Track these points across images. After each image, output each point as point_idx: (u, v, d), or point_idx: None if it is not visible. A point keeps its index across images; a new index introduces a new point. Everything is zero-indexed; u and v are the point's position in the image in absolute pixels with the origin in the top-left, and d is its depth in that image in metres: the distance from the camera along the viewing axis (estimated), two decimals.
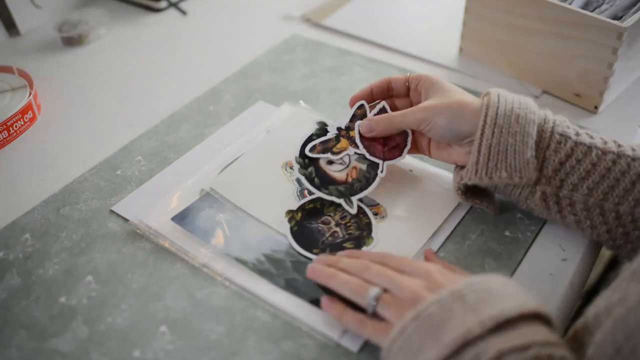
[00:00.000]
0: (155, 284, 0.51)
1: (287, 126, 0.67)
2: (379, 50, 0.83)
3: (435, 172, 0.62)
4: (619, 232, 0.50)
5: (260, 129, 0.67)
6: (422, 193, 0.59)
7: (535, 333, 0.39)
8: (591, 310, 0.41)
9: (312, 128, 0.58)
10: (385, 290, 0.45)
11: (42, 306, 0.50)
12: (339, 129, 0.59)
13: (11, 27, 0.88)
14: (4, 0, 0.84)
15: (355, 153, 0.57)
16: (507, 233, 0.55)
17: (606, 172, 0.49)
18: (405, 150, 0.57)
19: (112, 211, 0.58)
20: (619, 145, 0.51)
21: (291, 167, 0.61)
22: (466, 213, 0.57)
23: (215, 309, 0.49)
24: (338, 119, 0.69)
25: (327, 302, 0.47)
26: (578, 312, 1.25)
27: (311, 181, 0.53)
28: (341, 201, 0.55)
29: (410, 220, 0.56)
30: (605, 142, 0.51)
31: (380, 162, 0.57)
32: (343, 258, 0.50)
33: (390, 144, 0.57)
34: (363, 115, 0.58)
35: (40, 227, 0.57)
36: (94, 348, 0.47)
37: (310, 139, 0.58)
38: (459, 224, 0.56)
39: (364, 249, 0.53)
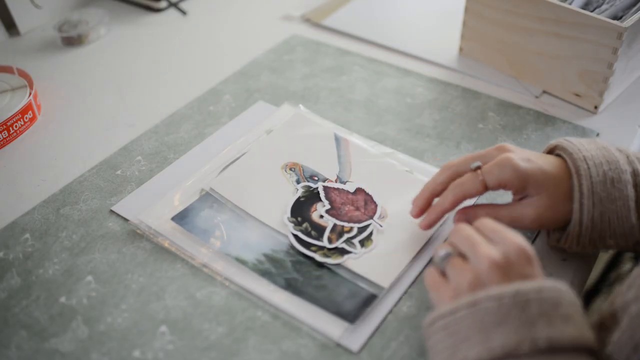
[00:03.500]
0: (155, 284, 0.51)
1: (287, 128, 0.67)
2: (379, 50, 0.83)
3: (435, 172, 0.62)
4: None
5: (260, 129, 0.67)
6: None
7: None
8: (606, 308, 0.41)
9: (299, 192, 0.58)
10: (462, 256, 0.44)
11: (42, 306, 0.50)
12: (324, 187, 0.59)
13: (11, 27, 0.88)
14: (4, 0, 0.84)
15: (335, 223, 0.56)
16: None
17: None
18: (376, 199, 0.58)
19: (112, 211, 0.58)
20: None
21: (291, 169, 0.61)
22: None
23: (215, 309, 0.49)
24: (337, 119, 0.69)
25: (428, 269, 0.46)
26: None
27: (308, 234, 0.54)
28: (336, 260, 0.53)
29: (410, 221, 0.56)
30: None
31: (371, 222, 0.56)
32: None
33: (359, 203, 0.57)
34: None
35: (40, 227, 0.57)
36: (94, 348, 0.47)
37: (298, 201, 0.58)
38: None
39: (363, 249, 0.53)
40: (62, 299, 0.50)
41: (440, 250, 0.45)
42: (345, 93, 0.74)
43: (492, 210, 0.51)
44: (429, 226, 0.52)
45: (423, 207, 0.53)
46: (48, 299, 0.51)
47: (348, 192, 0.59)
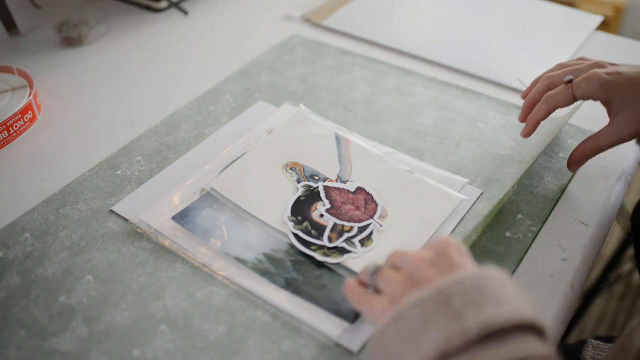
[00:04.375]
0: (155, 283, 0.51)
1: (288, 127, 0.67)
2: (379, 50, 0.83)
3: (435, 172, 0.62)
4: None
5: (260, 129, 0.67)
6: (422, 193, 0.59)
7: (531, 346, 0.35)
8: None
9: (299, 191, 0.58)
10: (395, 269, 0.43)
11: (41, 305, 0.50)
12: (325, 187, 0.59)
13: (11, 27, 0.88)
14: (4, 0, 0.84)
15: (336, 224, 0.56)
16: (507, 234, 0.55)
17: None
18: (376, 199, 0.58)
19: (111, 211, 0.58)
20: None
21: (291, 168, 0.61)
22: (466, 213, 0.57)
23: (215, 309, 0.49)
24: (337, 119, 0.69)
25: (348, 282, 0.45)
26: (578, 312, 1.26)
27: (308, 233, 0.54)
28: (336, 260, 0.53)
29: (410, 221, 0.56)
30: None
31: (371, 221, 0.56)
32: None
33: (359, 203, 0.57)
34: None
35: (40, 227, 0.57)
36: (93, 347, 0.47)
37: (298, 200, 0.58)
38: (459, 224, 0.56)
39: (363, 249, 0.53)
40: (62, 299, 0.50)
41: (369, 267, 0.44)
42: (345, 93, 0.74)
43: (591, 141, 0.57)
44: (528, 134, 0.59)
45: (525, 113, 0.60)
46: (48, 299, 0.51)
47: (348, 191, 0.59)
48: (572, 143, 0.65)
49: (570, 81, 0.56)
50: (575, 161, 0.58)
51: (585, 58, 0.60)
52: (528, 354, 0.34)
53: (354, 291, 0.44)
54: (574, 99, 0.56)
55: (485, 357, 0.34)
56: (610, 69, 0.55)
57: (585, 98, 0.55)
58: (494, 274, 0.38)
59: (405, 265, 0.42)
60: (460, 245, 0.42)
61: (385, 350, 0.38)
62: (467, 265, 0.40)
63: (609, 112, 0.57)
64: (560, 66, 0.60)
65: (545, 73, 0.60)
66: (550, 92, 0.57)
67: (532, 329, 0.36)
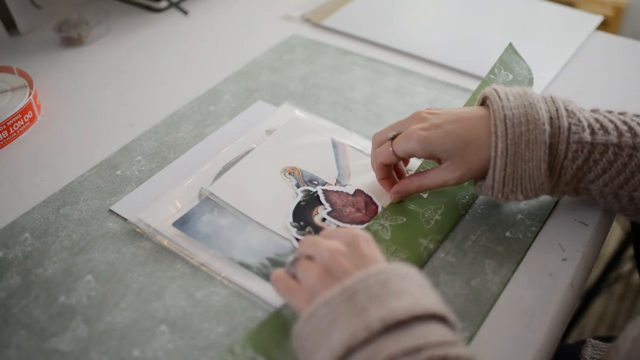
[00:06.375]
0: (155, 283, 0.51)
1: (284, 135, 0.66)
2: (379, 50, 0.83)
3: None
4: (631, 208, 0.52)
5: (260, 129, 0.67)
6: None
7: (428, 333, 0.37)
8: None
9: (299, 196, 0.58)
10: (310, 259, 0.45)
11: (41, 305, 0.50)
12: (324, 191, 0.59)
13: (11, 27, 0.88)
14: (4, 0, 0.84)
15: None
16: (507, 234, 0.55)
17: (622, 167, 0.50)
18: (376, 200, 0.58)
19: (111, 211, 0.58)
20: (635, 135, 0.50)
21: (290, 173, 0.61)
22: (466, 213, 0.57)
23: (215, 309, 0.49)
24: (337, 119, 0.69)
25: (275, 272, 0.46)
26: (578, 312, 1.26)
27: None
28: None
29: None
30: (621, 135, 0.50)
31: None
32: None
33: (359, 205, 0.57)
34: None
35: (39, 227, 0.57)
36: (93, 347, 0.47)
37: (299, 205, 0.58)
38: (458, 224, 0.56)
39: None
40: (62, 299, 0.50)
41: (289, 257, 0.46)
42: (345, 93, 0.74)
43: (417, 179, 0.55)
44: (395, 200, 0.57)
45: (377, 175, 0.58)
46: (48, 299, 0.51)
47: (348, 194, 0.59)
48: None
49: (394, 137, 0.54)
50: (399, 192, 0.56)
51: (429, 110, 0.56)
52: (423, 342, 0.36)
53: (280, 280, 0.45)
54: (397, 157, 0.54)
55: (386, 347, 0.36)
56: (429, 121, 0.53)
57: (406, 156, 0.54)
58: (397, 268, 0.41)
59: (319, 256, 0.43)
60: (368, 237, 0.45)
61: (302, 346, 0.40)
62: (376, 259, 0.43)
63: (437, 160, 0.56)
64: (397, 124, 0.57)
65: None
66: (377, 149, 0.56)
67: (435, 318, 0.39)
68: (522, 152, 0.49)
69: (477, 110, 0.53)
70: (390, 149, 0.54)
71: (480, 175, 0.53)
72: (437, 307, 0.39)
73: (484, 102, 0.54)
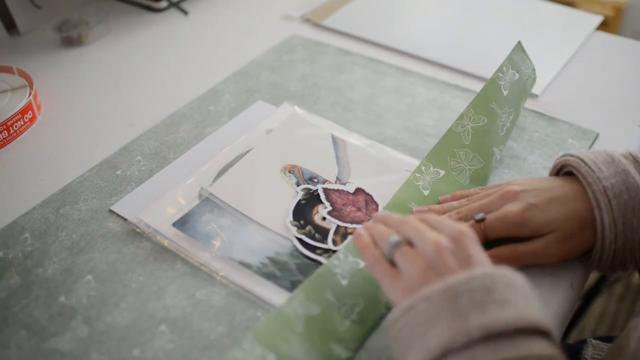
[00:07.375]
0: (155, 283, 0.51)
1: (284, 130, 0.67)
2: (379, 50, 0.83)
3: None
4: None
5: (259, 129, 0.67)
6: None
7: (529, 346, 0.36)
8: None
9: (299, 195, 0.58)
10: (410, 244, 0.44)
11: (41, 305, 0.50)
12: (324, 189, 0.59)
13: (11, 27, 0.88)
14: (4, 0, 0.84)
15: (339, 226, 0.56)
16: None
17: None
18: (376, 199, 0.58)
19: (111, 211, 0.58)
20: None
21: (290, 171, 0.61)
22: None
23: (215, 309, 0.49)
24: (337, 119, 0.69)
25: (358, 233, 0.46)
26: (578, 312, 1.25)
27: (312, 237, 0.54)
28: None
29: None
30: None
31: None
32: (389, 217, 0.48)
33: (360, 204, 0.57)
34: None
35: (39, 227, 0.57)
36: (93, 347, 0.47)
37: (299, 204, 0.58)
38: None
39: None
40: (62, 299, 0.50)
41: (391, 237, 0.44)
42: (345, 93, 0.74)
43: (513, 249, 0.51)
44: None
45: None
46: (48, 299, 0.51)
47: (348, 192, 0.59)
48: (572, 143, 0.65)
49: (482, 220, 0.51)
50: (492, 257, 0.50)
51: (494, 187, 0.54)
52: (527, 353, 0.35)
53: (380, 264, 0.44)
54: (486, 239, 0.50)
55: (484, 356, 0.36)
56: (521, 201, 0.50)
57: (499, 237, 0.51)
58: (503, 274, 0.39)
59: (423, 248, 0.42)
60: (474, 236, 0.43)
61: (396, 336, 0.40)
62: (482, 260, 0.41)
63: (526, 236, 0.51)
64: (458, 196, 0.55)
65: (446, 201, 0.56)
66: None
67: (537, 332, 0.37)
68: (630, 221, 0.48)
69: (565, 182, 0.51)
70: (484, 233, 0.50)
71: (585, 249, 0.50)
72: (541, 321, 0.38)
73: (560, 170, 0.53)
